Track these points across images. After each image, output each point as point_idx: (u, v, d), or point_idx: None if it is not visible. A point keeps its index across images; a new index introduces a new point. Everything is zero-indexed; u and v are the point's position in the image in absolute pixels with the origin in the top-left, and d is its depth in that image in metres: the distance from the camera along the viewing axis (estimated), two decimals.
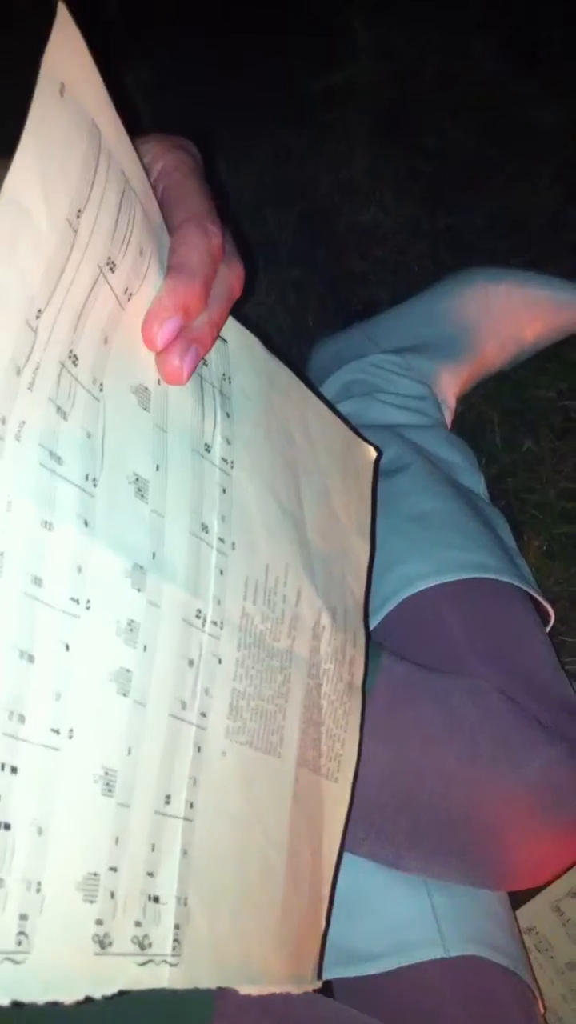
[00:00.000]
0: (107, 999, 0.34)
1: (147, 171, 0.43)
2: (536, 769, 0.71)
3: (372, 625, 0.79)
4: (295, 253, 1.25)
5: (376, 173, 1.29)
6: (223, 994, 0.44)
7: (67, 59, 0.35)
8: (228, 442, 0.48)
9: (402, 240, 1.26)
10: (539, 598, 0.84)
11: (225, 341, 0.50)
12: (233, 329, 0.50)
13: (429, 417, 1.02)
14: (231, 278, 0.45)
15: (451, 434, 1.03)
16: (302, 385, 0.57)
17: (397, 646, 0.75)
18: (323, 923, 0.54)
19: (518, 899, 0.87)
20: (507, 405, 1.15)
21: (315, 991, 0.52)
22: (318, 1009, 0.60)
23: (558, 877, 0.88)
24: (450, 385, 1.08)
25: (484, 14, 1.32)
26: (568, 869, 0.84)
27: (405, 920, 0.71)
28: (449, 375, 1.07)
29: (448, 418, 1.08)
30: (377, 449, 0.66)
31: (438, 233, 1.25)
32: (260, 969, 0.46)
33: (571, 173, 1.24)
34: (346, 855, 0.58)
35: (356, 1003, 0.64)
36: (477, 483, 0.97)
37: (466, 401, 1.14)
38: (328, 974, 0.56)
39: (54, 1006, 0.32)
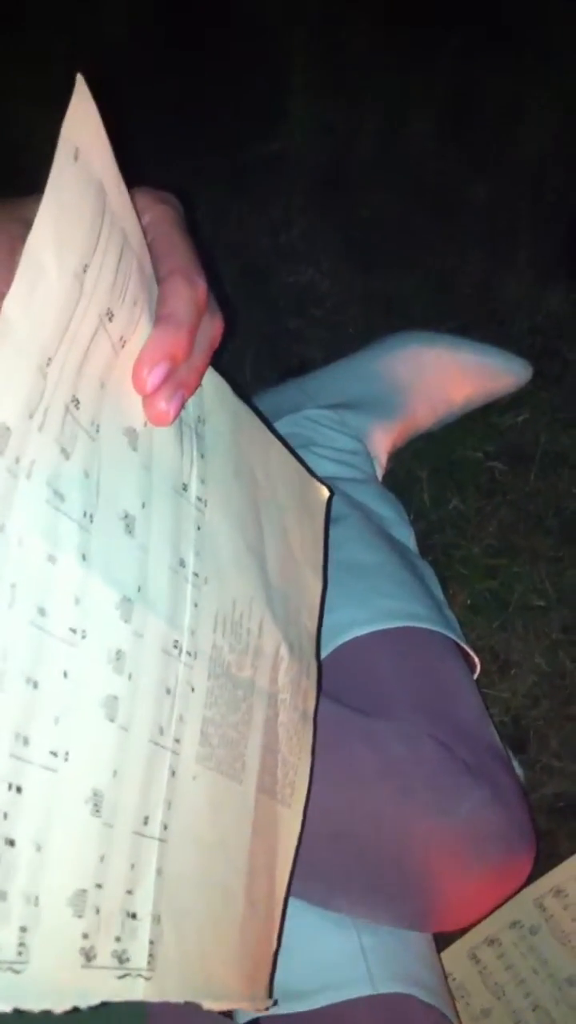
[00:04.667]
0: (92, 1009, 0.36)
1: None
2: (465, 812, 0.73)
3: None
4: (230, 310, 1.28)
5: (311, 238, 1.34)
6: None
7: (82, 126, 0.38)
8: (203, 482, 0.51)
9: (336, 301, 1.30)
10: (466, 648, 0.87)
11: (200, 386, 0.52)
12: (208, 374, 0.53)
13: (362, 472, 1.06)
14: (213, 329, 0.48)
15: (383, 488, 1.06)
16: (264, 427, 0.60)
17: (331, 691, 0.77)
18: (275, 943, 0.56)
19: (436, 946, 0.88)
20: (435, 464, 1.20)
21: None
22: None
23: (483, 919, 0.90)
24: (382, 442, 1.11)
25: (418, 92, 1.38)
26: (493, 912, 0.86)
27: (334, 958, 0.72)
28: (381, 432, 1.11)
29: (379, 474, 1.11)
30: (330, 489, 0.69)
31: (371, 296, 1.30)
32: (221, 987, 0.47)
33: (496, 244, 1.30)
34: None
35: None
36: (407, 537, 1.00)
37: (396, 458, 1.17)
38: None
39: (47, 1014, 0.34)
